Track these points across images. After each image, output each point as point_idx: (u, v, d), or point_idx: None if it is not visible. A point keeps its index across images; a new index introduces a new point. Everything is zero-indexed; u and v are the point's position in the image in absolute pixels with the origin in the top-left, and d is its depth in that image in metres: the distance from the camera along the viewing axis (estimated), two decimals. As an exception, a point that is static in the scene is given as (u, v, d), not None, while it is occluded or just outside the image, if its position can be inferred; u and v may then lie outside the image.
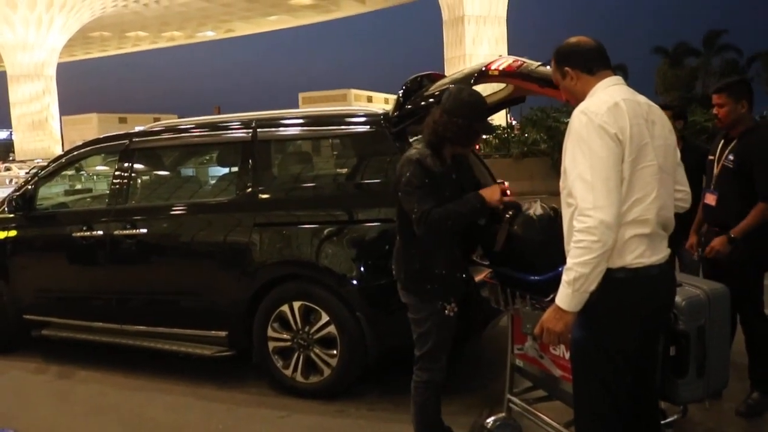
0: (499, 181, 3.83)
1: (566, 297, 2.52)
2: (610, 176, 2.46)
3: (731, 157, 4.09)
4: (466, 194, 3.41)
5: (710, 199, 4.22)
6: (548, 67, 3.32)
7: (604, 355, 2.61)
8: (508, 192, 3.97)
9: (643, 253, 2.56)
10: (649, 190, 2.55)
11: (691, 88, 47.57)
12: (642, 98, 2.69)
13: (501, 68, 3.81)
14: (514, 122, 27.69)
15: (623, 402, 2.68)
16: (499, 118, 24.39)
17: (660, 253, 2.63)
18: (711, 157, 4.29)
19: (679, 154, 2.82)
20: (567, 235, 2.65)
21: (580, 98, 2.74)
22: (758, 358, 4.13)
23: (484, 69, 4.02)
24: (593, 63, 2.72)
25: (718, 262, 4.06)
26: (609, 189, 2.45)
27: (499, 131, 20.31)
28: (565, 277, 2.51)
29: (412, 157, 3.36)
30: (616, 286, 2.54)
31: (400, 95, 4.50)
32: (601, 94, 2.63)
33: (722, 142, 4.22)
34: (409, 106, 4.45)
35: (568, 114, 15.38)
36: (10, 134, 56.79)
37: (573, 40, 2.80)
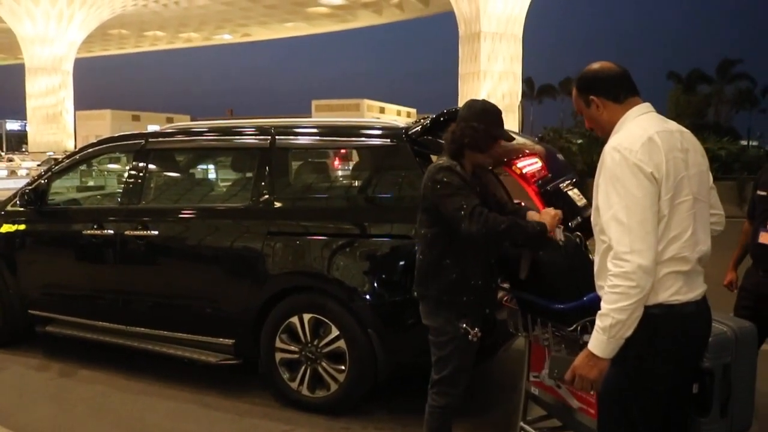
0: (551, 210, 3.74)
1: (601, 344, 2.41)
2: (647, 218, 2.36)
3: None
4: (502, 206, 3.45)
5: (764, 237, 3.96)
6: (575, 191, 3.24)
7: (633, 393, 2.52)
8: (524, 171, 3.90)
9: (680, 289, 2.47)
10: (686, 226, 2.46)
11: (703, 114, 47.58)
12: (673, 125, 2.59)
13: (523, 171, 3.72)
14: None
15: None
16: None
17: (697, 290, 2.54)
18: (763, 193, 4.05)
19: (711, 178, 2.72)
20: (598, 271, 2.56)
21: (606, 128, 2.64)
22: None
23: (506, 160, 3.96)
24: (620, 90, 2.60)
25: (760, 297, 3.91)
26: (646, 231, 2.35)
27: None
28: (599, 323, 2.41)
29: (442, 165, 3.33)
30: (651, 322, 2.44)
31: (428, 121, 4.47)
32: (632, 127, 2.52)
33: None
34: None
35: (582, 135, 15.32)
36: (24, 125, 57.03)
37: (596, 66, 2.67)
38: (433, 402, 3.44)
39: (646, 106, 2.60)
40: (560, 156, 5.38)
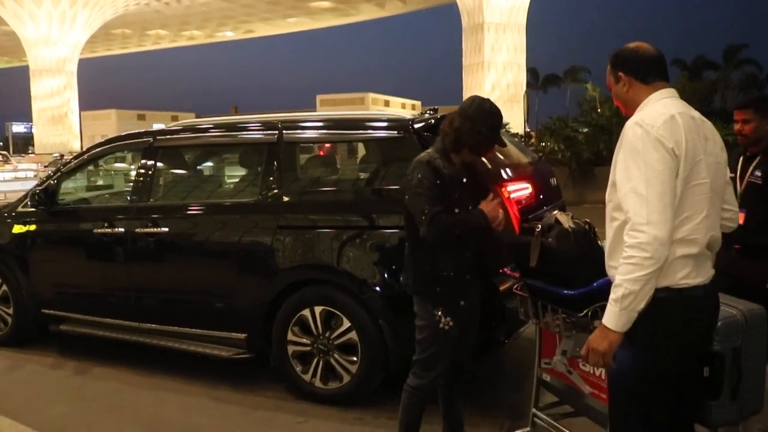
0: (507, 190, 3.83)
1: (614, 315, 2.43)
2: (666, 191, 2.39)
3: (758, 173, 4.00)
4: (477, 198, 3.47)
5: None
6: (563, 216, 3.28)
7: (643, 377, 2.55)
8: (511, 196, 3.90)
9: (689, 273, 2.49)
10: (699, 209, 2.49)
11: (709, 101, 47.43)
12: (696, 113, 2.61)
13: (512, 195, 3.71)
14: (528, 130, 27.62)
15: (661, 425, 2.61)
16: (517, 127, 24.41)
17: (705, 274, 2.56)
18: (731, 175, 4.17)
19: (728, 172, 2.75)
20: (610, 250, 2.59)
21: (629, 106, 2.68)
22: None
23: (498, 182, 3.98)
24: (649, 72, 2.64)
25: (743, 281, 3.94)
26: (664, 204, 2.38)
27: (516, 139, 20.19)
28: (612, 295, 2.44)
29: (422, 159, 3.41)
30: (659, 306, 2.46)
31: (437, 115, 4.53)
32: (656, 106, 2.56)
33: (742, 158, 4.11)
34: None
35: (587, 125, 15.24)
36: (29, 128, 57.16)
37: (633, 45, 2.70)
38: (409, 381, 3.58)
39: (671, 91, 2.64)
40: (554, 180, 5.42)
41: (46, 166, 29.68)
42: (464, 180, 3.50)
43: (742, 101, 4.25)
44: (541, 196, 4.77)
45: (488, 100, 3.48)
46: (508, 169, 4.63)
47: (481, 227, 3.38)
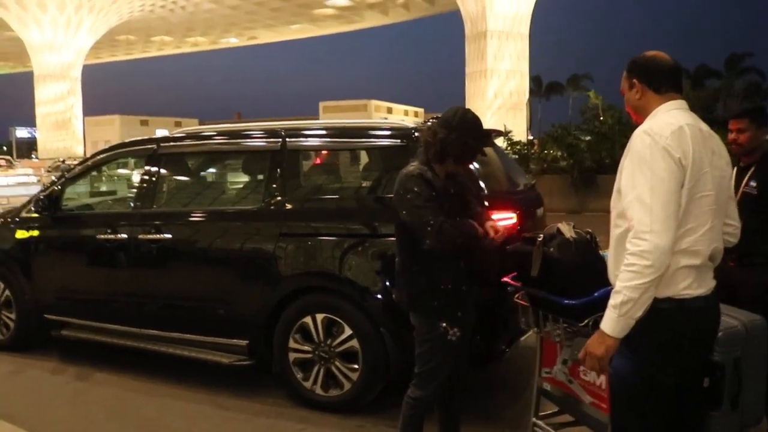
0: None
1: (611, 321, 2.46)
2: (670, 201, 2.41)
3: (753, 184, 4.01)
4: (463, 208, 3.53)
5: None
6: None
7: (644, 386, 2.56)
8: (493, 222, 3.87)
9: (691, 284, 2.51)
10: (704, 221, 2.50)
11: (712, 109, 47.48)
12: (704, 126, 2.63)
13: (497, 226, 3.70)
14: (531, 137, 27.64)
15: None
16: (519, 135, 24.41)
17: (707, 285, 2.58)
18: None
19: (732, 188, 2.77)
20: (612, 258, 2.60)
21: (640, 113, 2.70)
22: None
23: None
24: (663, 82, 2.66)
25: (731, 288, 3.94)
26: (667, 214, 2.39)
27: (519, 147, 20.26)
28: (612, 301, 2.46)
29: (413, 172, 3.40)
30: (661, 316, 2.48)
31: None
32: (665, 116, 2.58)
33: (736, 168, 4.08)
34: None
35: (589, 132, 15.21)
36: (33, 132, 57.24)
37: (651, 53, 2.72)
38: (410, 392, 3.58)
39: (681, 103, 2.66)
40: (540, 211, 5.43)
41: (48, 171, 29.73)
42: (452, 191, 3.52)
43: (737, 111, 4.25)
44: (525, 228, 4.74)
45: (470, 110, 3.52)
46: (495, 196, 4.62)
47: (475, 237, 3.42)
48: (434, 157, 3.44)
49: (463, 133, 3.38)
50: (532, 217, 5.11)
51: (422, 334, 3.50)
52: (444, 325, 3.42)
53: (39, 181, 24.04)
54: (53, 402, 5.06)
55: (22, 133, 72.48)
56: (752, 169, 4.03)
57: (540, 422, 3.68)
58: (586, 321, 3.00)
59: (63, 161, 31.82)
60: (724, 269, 4.04)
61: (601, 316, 2.53)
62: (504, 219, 4.40)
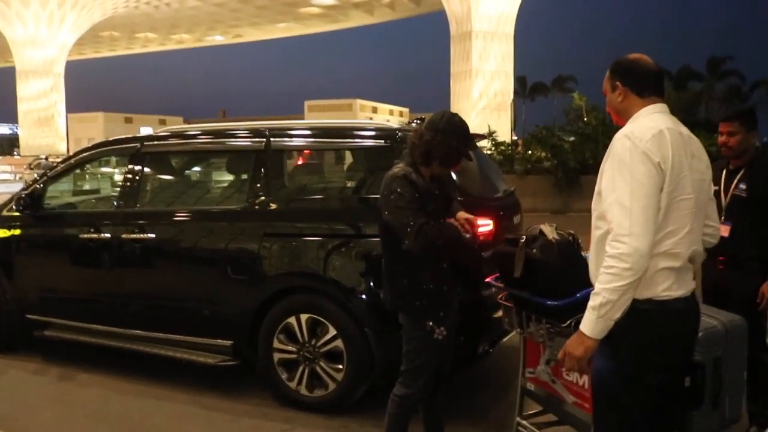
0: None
1: (590, 323, 2.49)
2: (649, 204, 2.43)
3: (743, 186, 4.03)
4: (447, 211, 3.59)
5: (722, 230, 4.10)
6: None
7: (626, 387, 2.58)
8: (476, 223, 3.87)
9: (671, 286, 2.54)
10: (683, 224, 2.53)
11: (694, 112, 47.87)
12: (684, 129, 2.66)
13: (471, 218, 3.72)
14: (516, 138, 27.76)
15: None
16: (504, 135, 24.50)
17: (687, 287, 2.61)
18: (715, 188, 4.08)
19: (712, 190, 2.80)
20: (593, 260, 2.63)
21: (621, 116, 2.73)
22: (757, 389, 4.06)
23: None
24: (646, 86, 2.68)
25: (729, 293, 3.99)
26: (647, 217, 2.42)
27: (503, 147, 20.36)
28: (591, 302, 2.49)
29: (398, 173, 3.44)
30: (642, 317, 2.51)
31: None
32: (646, 120, 2.60)
33: (725, 171, 4.13)
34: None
35: (573, 133, 15.31)
36: (14, 129, 56.76)
37: (635, 56, 2.75)
38: (396, 391, 3.61)
39: (662, 107, 2.68)
40: (518, 218, 5.45)
41: (31, 167, 29.47)
42: (436, 192, 3.56)
43: (728, 113, 4.26)
44: (501, 234, 4.76)
45: (456, 114, 3.56)
46: (474, 201, 4.62)
47: (456, 239, 3.45)
48: (420, 158, 3.47)
49: (448, 135, 3.42)
50: (509, 224, 5.13)
51: (409, 333, 3.53)
52: (431, 323, 3.45)
53: (21, 178, 23.82)
54: (36, 403, 5.03)
55: (3, 129, 71.85)
56: (741, 172, 4.04)
57: (524, 422, 3.71)
58: (568, 322, 3.03)
59: (47, 158, 31.57)
60: (713, 271, 4.10)
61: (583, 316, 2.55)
62: (483, 225, 4.42)
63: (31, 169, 28.89)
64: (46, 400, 5.08)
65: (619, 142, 2.53)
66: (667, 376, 2.67)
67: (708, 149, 2.83)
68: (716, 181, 4.15)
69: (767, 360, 4.06)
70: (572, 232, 3.33)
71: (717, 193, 4.11)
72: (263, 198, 4.94)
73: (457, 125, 3.47)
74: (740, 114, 4.12)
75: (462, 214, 3.61)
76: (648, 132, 2.51)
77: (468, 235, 3.53)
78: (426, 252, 3.36)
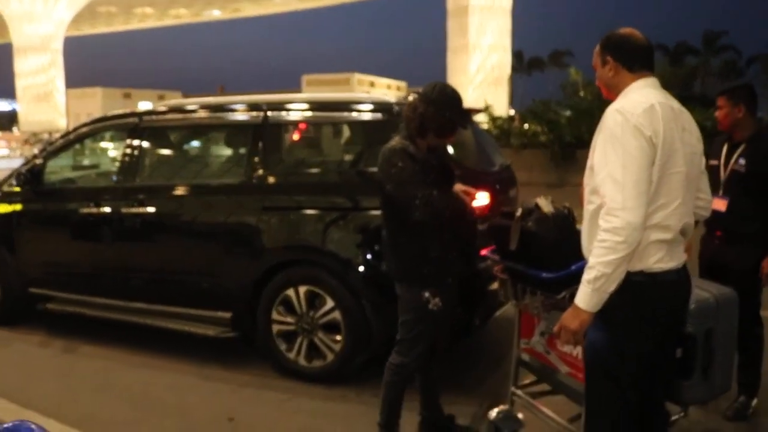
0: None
1: (585, 296, 2.52)
2: (641, 178, 2.46)
3: (742, 162, 4.03)
4: (445, 181, 3.64)
5: (719, 204, 4.05)
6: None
7: (619, 358, 2.63)
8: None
9: (662, 258, 2.58)
10: (675, 197, 2.56)
11: (690, 87, 47.63)
12: (675, 104, 2.68)
13: (469, 189, 3.75)
14: (512, 112, 27.69)
15: (634, 403, 2.70)
16: (501, 110, 24.44)
17: (678, 259, 2.65)
18: (714, 162, 4.16)
19: (704, 162, 2.83)
20: (586, 233, 2.68)
21: (611, 90, 2.75)
22: (747, 361, 4.14)
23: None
24: (636, 61, 2.70)
25: (727, 268, 4.03)
26: (639, 191, 2.45)
27: (500, 122, 20.35)
28: (585, 276, 2.52)
29: (395, 147, 3.49)
30: (634, 289, 2.55)
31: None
32: (636, 94, 2.62)
33: (726, 146, 4.14)
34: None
35: (570, 108, 15.28)
36: (12, 104, 56.43)
37: (626, 31, 2.76)
38: (392, 359, 3.69)
39: (653, 81, 2.70)
40: (514, 191, 5.51)
41: (28, 143, 29.39)
42: (434, 163, 3.60)
43: (720, 89, 4.28)
44: (496, 207, 4.79)
45: (448, 85, 3.60)
46: (471, 174, 4.64)
47: (462, 210, 3.54)
48: (415, 131, 3.52)
49: (441, 106, 3.46)
50: (505, 197, 5.18)
51: (406, 303, 3.60)
52: (427, 294, 3.52)
53: (20, 154, 23.75)
54: (40, 375, 5.10)
55: (2, 105, 71.43)
56: (742, 147, 4.04)
57: (519, 391, 3.77)
58: (563, 294, 3.07)
59: (50, 134, 31.38)
60: (711, 245, 4.15)
61: (578, 289, 2.60)
62: (478, 198, 4.48)
63: (27, 143, 28.80)
64: (49, 372, 5.15)
65: (611, 116, 2.55)
66: (658, 348, 2.72)
67: (703, 124, 2.85)
68: (717, 155, 4.18)
69: (759, 333, 4.15)
70: (567, 205, 3.36)
71: (717, 168, 4.14)
72: (261, 171, 4.98)
73: (450, 96, 3.51)
74: (728, 90, 4.12)
75: (459, 186, 3.67)
76: (639, 106, 2.53)
77: (470, 208, 3.61)
78: (435, 221, 3.43)
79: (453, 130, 3.60)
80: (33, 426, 1.47)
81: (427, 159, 3.53)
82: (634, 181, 2.45)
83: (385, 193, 3.53)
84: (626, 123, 2.50)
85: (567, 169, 17.06)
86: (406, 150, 3.45)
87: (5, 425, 1.46)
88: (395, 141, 3.53)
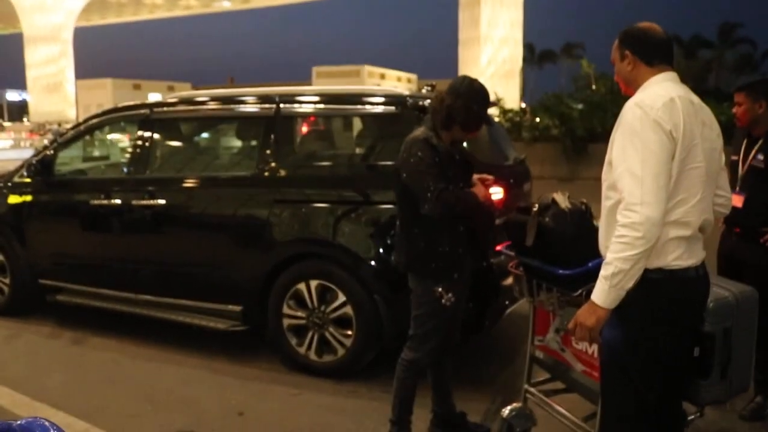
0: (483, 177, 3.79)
1: (602, 293, 2.47)
2: (661, 173, 2.41)
3: (760, 157, 3.98)
4: (467, 176, 3.60)
5: (736, 200, 3.98)
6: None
7: (635, 357, 2.59)
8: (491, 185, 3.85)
9: (681, 255, 2.53)
10: (694, 192, 2.51)
11: (704, 80, 47.30)
12: (695, 98, 2.63)
13: (486, 177, 3.72)
14: (523, 106, 27.58)
15: (651, 402, 2.66)
16: (512, 102, 24.34)
17: (697, 256, 2.60)
18: (734, 158, 4.12)
19: (723, 159, 2.77)
20: (603, 229, 2.63)
21: (630, 85, 2.70)
22: (765, 359, 4.07)
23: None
24: (655, 55, 2.65)
25: (744, 264, 3.97)
26: (658, 186, 2.40)
27: (511, 115, 20.26)
28: (603, 272, 2.47)
29: (418, 137, 3.45)
30: (652, 286, 2.51)
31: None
32: (656, 88, 2.57)
33: (746, 142, 4.07)
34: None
35: (582, 101, 15.18)
36: (23, 95, 56.60)
37: (644, 25, 2.71)
38: (404, 355, 3.65)
39: (673, 75, 2.65)
40: (528, 186, 5.50)
41: (34, 132, 29.42)
42: (456, 157, 3.56)
43: (738, 85, 4.20)
44: (511, 202, 4.74)
45: (476, 79, 3.56)
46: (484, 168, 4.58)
47: (474, 207, 3.49)
48: (441, 123, 3.48)
49: (468, 100, 3.43)
50: (519, 192, 5.13)
51: (418, 297, 3.56)
52: (440, 289, 3.48)
53: (32, 145, 23.83)
54: (50, 367, 5.09)
55: (12, 96, 71.65)
56: (760, 142, 3.98)
57: (532, 389, 3.73)
58: (580, 291, 3.03)
59: (59, 125, 31.42)
60: (729, 241, 4.09)
61: (595, 285, 2.55)
62: (494, 184, 4.44)
63: (35, 133, 28.84)
64: (59, 364, 5.14)
65: (630, 110, 2.50)
66: (676, 346, 2.67)
67: (717, 118, 2.80)
68: (737, 150, 4.12)
69: None
70: (585, 200, 3.31)
71: (736, 163, 4.08)
72: (273, 164, 4.94)
73: (478, 90, 3.49)
74: (748, 85, 4.06)
75: (475, 175, 3.63)
76: (659, 100, 2.48)
77: (487, 201, 3.57)
78: (443, 217, 3.40)
79: (479, 124, 3.57)
80: (47, 423, 1.44)
81: (449, 152, 3.50)
82: (654, 175, 2.40)
83: (401, 182, 3.49)
84: (645, 117, 2.45)
85: (579, 162, 16.99)
86: (429, 141, 3.42)
87: (20, 421, 1.43)
88: (420, 131, 3.50)
